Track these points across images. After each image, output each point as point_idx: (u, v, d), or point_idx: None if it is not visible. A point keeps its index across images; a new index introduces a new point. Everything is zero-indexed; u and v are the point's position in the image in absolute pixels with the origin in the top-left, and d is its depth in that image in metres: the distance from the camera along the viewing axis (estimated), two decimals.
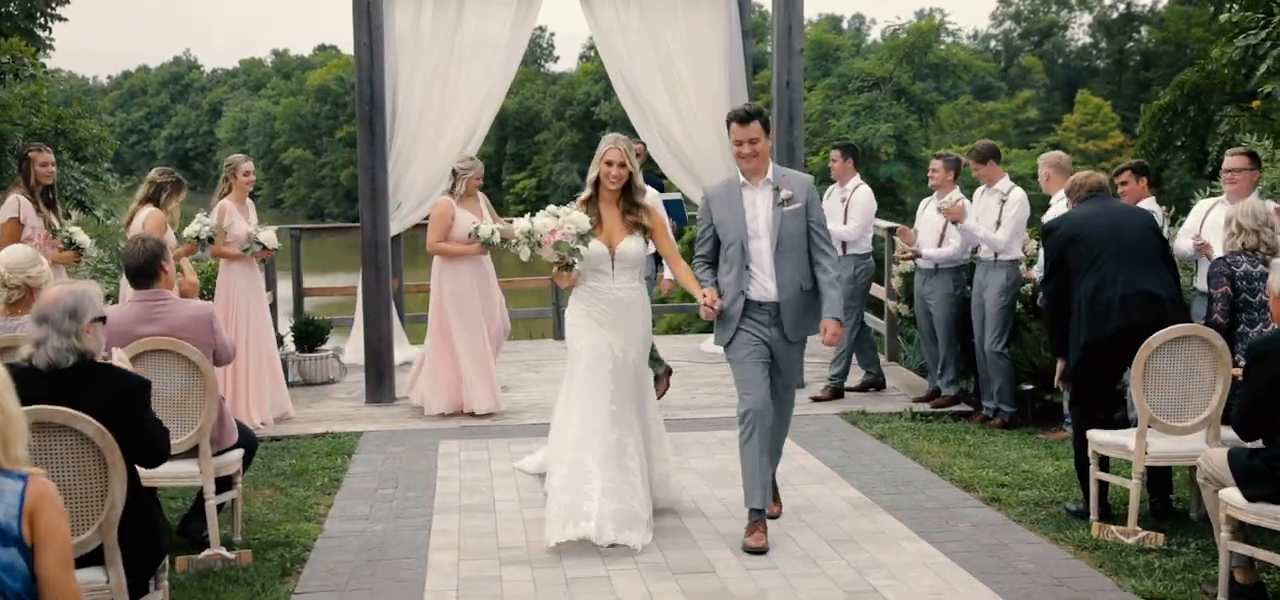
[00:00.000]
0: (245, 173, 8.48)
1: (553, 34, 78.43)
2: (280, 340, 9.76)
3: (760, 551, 5.47)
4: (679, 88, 10.17)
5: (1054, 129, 49.62)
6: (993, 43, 65.40)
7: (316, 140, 71.14)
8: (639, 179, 5.87)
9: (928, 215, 8.62)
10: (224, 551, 5.41)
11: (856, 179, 9.19)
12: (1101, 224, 6.06)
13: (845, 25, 69.67)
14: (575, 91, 59.75)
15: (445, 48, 9.60)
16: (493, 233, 8.43)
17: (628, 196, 5.81)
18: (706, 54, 10.22)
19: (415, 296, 11.55)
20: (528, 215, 5.93)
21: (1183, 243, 7.04)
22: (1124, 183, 7.58)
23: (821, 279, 5.60)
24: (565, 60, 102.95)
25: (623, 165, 5.76)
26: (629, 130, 8.89)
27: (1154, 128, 16.07)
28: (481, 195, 8.91)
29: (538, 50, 74.12)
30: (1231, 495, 4.76)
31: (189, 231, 8.17)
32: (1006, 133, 48.20)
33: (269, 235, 8.51)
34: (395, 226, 9.49)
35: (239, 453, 5.63)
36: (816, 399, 8.83)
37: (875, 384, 9.16)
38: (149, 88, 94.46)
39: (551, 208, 5.87)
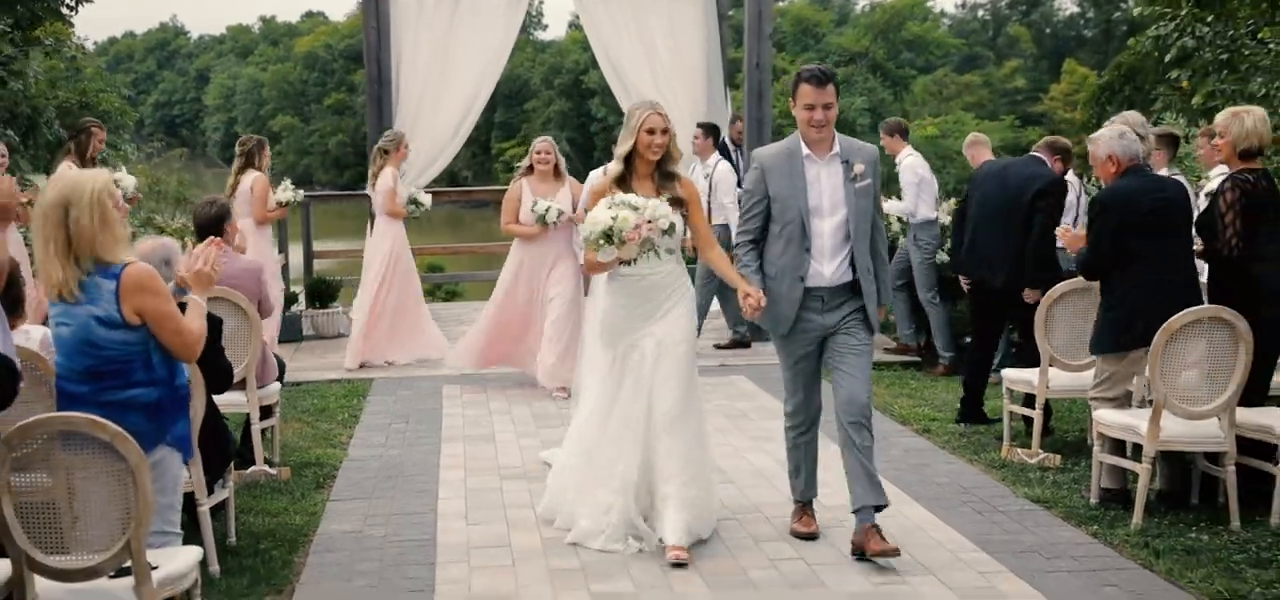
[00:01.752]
0: (407, 143, 9.50)
1: (541, 2, 78.82)
2: (294, 299, 10.72)
3: (811, 536, 5.28)
4: (659, 64, 11.08)
5: (1041, 98, 50.02)
6: (981, 12, 66.06)
7: (305, 108, 71.35)
8: (675, 147, 5.38)
9: None
10: (267, 468, 6.40)
11: (716, 157, 9.89)
12: (990, 183, 7.49)
13: None
14: (564, 59, 60.16)
15: (446, 20, 10.47)
16: (547, 210, 8.24)
17: (661, 168, 5.28)
18: (685, 31, 11.13)
19: (417, 258, 12.44)
20: (604, 204, 5.12)
21: None
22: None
23: (874, 262, 5.14)
24: (554, 28, 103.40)
25: (665, 131, 5.24)
26: (612, 102, 9.70)
27: (1093, 105, 17.17)
28: (571, 179, 8.55)
29: (527, 17, 74.01)
30: (1103, 415, 5.78)
31: (282, 196, 9.08)
32: (984, 103, 49.08)
33: (427, 199, 9.56)
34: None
35: (278, 386, 6.61)
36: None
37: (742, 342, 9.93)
38: (135, 54, 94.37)
39: (623, 196, 5.12)
